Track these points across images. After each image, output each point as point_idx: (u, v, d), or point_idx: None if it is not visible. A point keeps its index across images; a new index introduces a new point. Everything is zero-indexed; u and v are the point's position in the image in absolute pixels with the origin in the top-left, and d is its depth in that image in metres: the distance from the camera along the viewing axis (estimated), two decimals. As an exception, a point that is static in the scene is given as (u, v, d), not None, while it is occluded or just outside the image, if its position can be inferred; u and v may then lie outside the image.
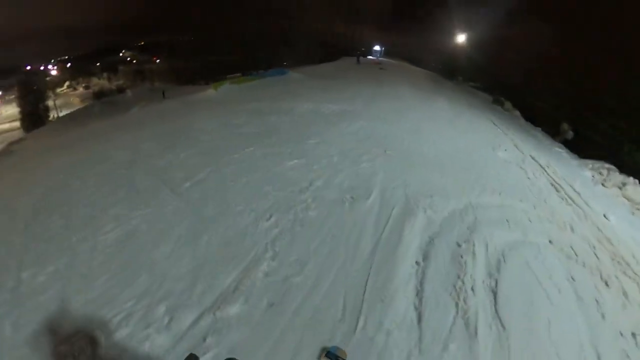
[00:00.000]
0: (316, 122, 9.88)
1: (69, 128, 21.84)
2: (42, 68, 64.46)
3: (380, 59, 34.71)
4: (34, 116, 42.25)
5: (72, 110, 45.17)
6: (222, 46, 44.16)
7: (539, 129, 18.28)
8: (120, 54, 69.99)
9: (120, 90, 54.62)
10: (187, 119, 11.25)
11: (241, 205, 5.41)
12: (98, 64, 67.15)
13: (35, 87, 47.84)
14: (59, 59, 69.34)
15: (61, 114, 45.41)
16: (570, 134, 16.89)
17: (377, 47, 38.43)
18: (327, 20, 38.47)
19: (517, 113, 20.52)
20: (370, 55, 37.29)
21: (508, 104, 20.43)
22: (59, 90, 64.33)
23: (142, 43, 68.32)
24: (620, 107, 16.24)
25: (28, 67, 64.86)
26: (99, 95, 55.16)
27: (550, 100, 19.73)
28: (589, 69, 18.32)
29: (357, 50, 33.76)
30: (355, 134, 8.98)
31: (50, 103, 52.98)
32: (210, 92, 18.69)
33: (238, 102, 13.67)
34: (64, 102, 60.05)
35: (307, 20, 38.37)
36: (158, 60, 59.22)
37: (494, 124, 13.56)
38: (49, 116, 44.25)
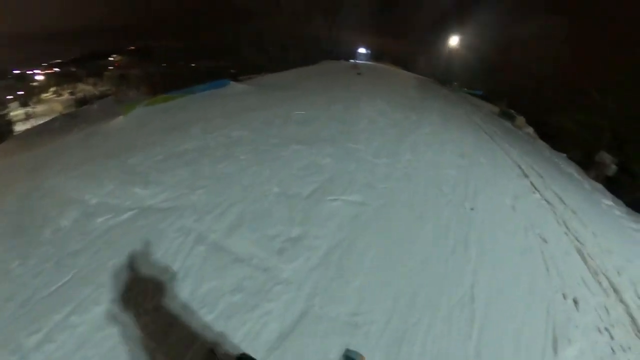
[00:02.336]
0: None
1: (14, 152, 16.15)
2: (29, 72, 59.60)
3: (359, 62, 28.74)
4: None
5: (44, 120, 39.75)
6: (205, 51, 38.79)
7: (564, 155, 12.43)
8: (111, 58, 64.81)
9: (103, 96, 49.93)
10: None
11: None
12: (85, 69, 62.08)
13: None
14: (47, 63, 64.39)
15: (28, 127, 40.19)
16: (613, 169, 10.95)
17: (362, 50, 32.60)
18: (306, 21, 32.66)
19: (531, 131, 14.63)
20: (356, 59, 31.45)
21: (521, 120, 14.53)
22: (43, 96, 59.63)
23: (133, 48, 62.99)
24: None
25: (16, 72, 60.44)
26: (82, 102, 50.26)
27: (579, 116, 13.76)
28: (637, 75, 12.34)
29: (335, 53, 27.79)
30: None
31: (19, 113, 48.00)
32: (119, 119, 12.61)
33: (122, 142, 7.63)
34: (47, 108, 55.34)
35: (285, 22, 32.62)
36: (141, 66, 53.98)
37: (515, 163, 7.99)
38: (11, 131, 38.95)
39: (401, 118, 8.81)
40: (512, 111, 15.39)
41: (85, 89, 58.95)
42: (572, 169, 10.52)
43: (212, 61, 36.96)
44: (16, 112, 52.41)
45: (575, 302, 3.70)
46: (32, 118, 46.63)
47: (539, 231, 4.77)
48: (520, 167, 7.51)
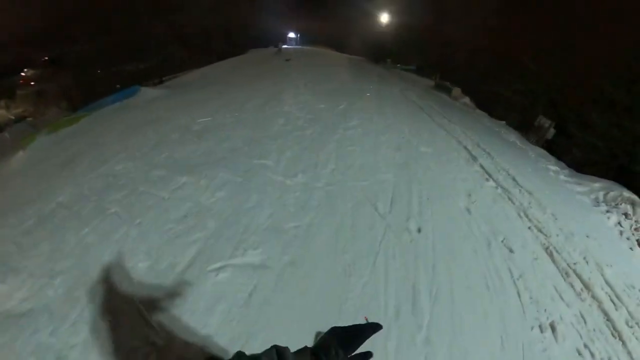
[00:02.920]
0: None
1: None
2: None
3: (288, 47, 27.08)
4: None
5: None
6: (125, 52, 34.82)
7: (503, 123, 12.00)
8: (22, 74, 56.89)
9: (19, 119, 43.92)
10: None
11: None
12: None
13: None
14: None
15: None
16: (551, 132, 10.58)
17: (291, 35, 30.84)
18: (225, 11, 30.08)
19: (468, 100, 14.15)
20: (286, 45, 29.64)
21: (456, 90, 14.07)
22: None
23: (47, 58, 55.49)
24: (621, 96, 10.08)
25: None
26: (-3, 128, 43.80)
27: (515, 84, 13.43)
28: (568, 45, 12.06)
29: (275, 41, 25.75)
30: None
31: None
32: (17, 156, 10.21)
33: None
34: None
35: (208, 11, 29.80)
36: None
37: (461, 144, 7.15)
38: None
39: (326, 109, 7.61)
40: (447, 83, 14.83)
41: (-3, 113, 51.56)
42: (513, 137, 10.00)
43: (134, 63, 33.22)
44: None
45: (553, 328, 3.01)
46: None
47: (503, 238, 3.84)
48: (466, 149, 6.65)
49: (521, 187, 5.43)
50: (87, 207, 3.73)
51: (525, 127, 11.35)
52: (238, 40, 28.37)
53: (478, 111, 13.06)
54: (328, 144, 5.45)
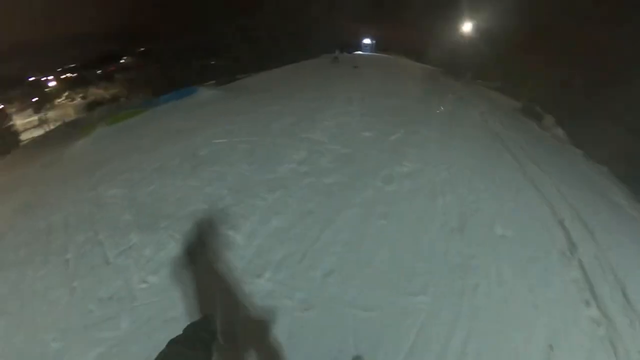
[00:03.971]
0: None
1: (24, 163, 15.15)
2: (42, 79, 59.89)
3: (360, 53, 25.49)
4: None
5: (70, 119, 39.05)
6: (200, 50, 36.60)
7: (605, 170, 9.33)
8: (122, 61, 63.76)
9: (114, 99, 49.48)
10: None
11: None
12: (99, 72, 61.85)
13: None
14: (60, 69, 64.24)
15: (41, 132, 39.77)
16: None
17: (366, 41, 29.24)
18: (303, 11, 29.49)
19: (561, 133, 11.62)
20: (360, 51, 28.21)
21: (548, 119, 11.81)
22: (57, 101, 59.87)
23: (143, 49, 61.47)
24: None
25: (30, 79, 60.84)
26: (92, 105, 49.85)
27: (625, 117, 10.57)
28: None
29: (340, 45, 24.55)
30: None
31: (33, 119, 48.44)
32: (81, 143, 11.34)
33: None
34: (60, 113, 55.39)
35: (280, 14, 29.58)
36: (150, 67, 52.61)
37: (553, 214, 5.22)
38: (19, 141, 38.84)
39: (371, 140, 6.10)
40: (538, 107, 12.22)
41: (96, 92, 58.66)
42: (620, 195, 7.42)
43: (208, 60, 34.56)
44: (30, 119, 52.88)
45: None
46: (45, 124, 46.22)
47: None
48: (562, 226, 4.65)
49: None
50: (56, 241, 4.29)
51: (635, 179, 8.59)
52: (310, 45, 27.61)
53: (571, 148, 10.38)
54: (345, 211, 4.07)
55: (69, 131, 23.42)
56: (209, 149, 6.16)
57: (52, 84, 61.49)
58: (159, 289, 3.13)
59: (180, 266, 3.30)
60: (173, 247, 3.61)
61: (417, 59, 26.22)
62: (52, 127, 38.67)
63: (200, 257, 3.42)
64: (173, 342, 1.08)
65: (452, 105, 10.72)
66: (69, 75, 64.12)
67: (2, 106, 53.82)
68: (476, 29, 20.51)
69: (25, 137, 41.26)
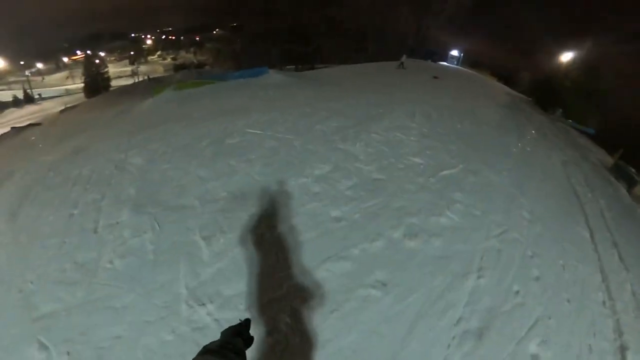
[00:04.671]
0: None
1: (103, 107, 18.01)
2: (141, 36, 66.57)
3: (446, 63, 23.77)
4: (93, 84, 44.36)
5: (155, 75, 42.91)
6: (284, 34, 37.46)
7: None
8: (214, 32, 67.88)
9: (200, 65, 53.52)
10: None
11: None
12: (193, 39, 67.15)
13: (97, 60, 49.34)
14: (159, 30, 70.75)
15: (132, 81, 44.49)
16: None
17: (454, 52, 27.22)
18: (387, 14, 28.23)
19: None
20: (445, 62, 26.40)
21: None
22: (150, 58, 66.24)
23: (235, 24, 64.69)
24: None
25: (132, 35, 67.83)
26: (180, 67, 54.44)
27: None
28: None
29: (408, 49, 23.09)
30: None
31: (127, 69, 53.79)
32: (148, 102, 12.57)
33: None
34: (151, 69, 61.01)
35: (369, 9, 28.64)
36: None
37: None
38: (109, 86, 45.06)
39: (415, 170, 5.28)
40: (632, 169, 10.07)
41: (185, 56, 63.49)
42: None
43: (291, 45, 34.98)
44: (125, 68, 59.31)
45: None
46: (136, 75, 51.42)
47: None
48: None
49: None
50: (73, 193, 4.96)
51: None
52: (393, 46, 26.45)
53: None
54: (325, 268, 3.46)
55: (151, 85, 25.48)
56: (239, 138, 6.25)
57: (149, 42, 67.72)
58: (117, 274, 3.33)
59: (141, 258, 3.45)
60: (148, 236, 3.76)
61: (507, 81, 23.94)
62: (140, 79, 42.94)
63: (161, 255, 3.51)
64: (206, 350, 1.05)
65: (531, 144, 9.27)
66: (165, 37, 70.10)
67: (103, 54, 61.13)
68: (582, 59, 17.91)
69: (116, 83, 46.65)
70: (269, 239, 3.69)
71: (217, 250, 3.54)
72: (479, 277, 3.64)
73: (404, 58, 20.00)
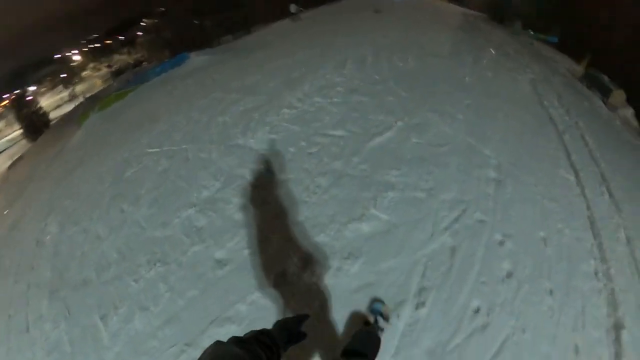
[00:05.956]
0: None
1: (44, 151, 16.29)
2: (67, 54, 61.03)
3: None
4: (31, 126, 39.00)
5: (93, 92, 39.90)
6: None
7: None
8: (142, 24, 62.78)
9: (137, 63, 49.51)
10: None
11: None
12: (121, 38, 62.09)
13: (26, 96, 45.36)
14: (84, 40, 64.66)
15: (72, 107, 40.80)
16: None
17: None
18: None
19: (630, 114, 8.61)
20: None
21: (618, 95, 8.58)
22: (83, 74, 61.00)
23: (162, 9, 59.73)
24: None
25: (57, 56, 61.94)
26: (118, 73, 50.12)
27: None
28: None
29: None
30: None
31: (63, 96, 50.34)
32: (77, 135, 11.52)
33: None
34: (88, 86, 56.28)
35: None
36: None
37: None
38: (48, 121, 40.57)
39: (339, 146, 4.18)
40: (605, 77, 8.99)
41: (120, 59, 58.59)
42: None
43: (225, 13, 32.57)
44: (61, 95, 54.33)
45: None
46: (75, 98, 47.64)
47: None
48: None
49: None
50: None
51: None
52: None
53: None
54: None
55: (88, 106, 23.27)
56: (136, 166, 5.61)
57: (77, 57, 61.89)
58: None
59: (61, 353, 3.41)
60: (63, 326, 3.63)
61: (459, 1, 22.06)
62: (81, 99, 39.56)
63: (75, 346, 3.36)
64: (232, 340, 0.96)
65: (492, 68, 7.87)
66: (92, 46, 63.97)
67: (33, 88, 55.81)
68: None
69: (57, 114, 42.54)
70: (154, 310, 3.23)
71: (113, 330, 3.27)
72: (417, 307, 2.72)
73: (293, 7, 17.28)
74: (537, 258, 3.20)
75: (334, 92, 5.69)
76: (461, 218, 3.29)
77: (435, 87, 5.94)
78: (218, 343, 0.88)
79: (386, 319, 2.49)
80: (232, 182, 4.23)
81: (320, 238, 3.21)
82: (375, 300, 2.59)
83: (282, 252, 3.21)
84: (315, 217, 3.43)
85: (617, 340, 2.72)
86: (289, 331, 1.10)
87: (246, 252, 3.30)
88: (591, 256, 3.46)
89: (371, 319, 2.50)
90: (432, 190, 3.56)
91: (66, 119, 28.12)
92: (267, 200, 3.78)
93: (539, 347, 2.58)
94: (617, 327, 2.81)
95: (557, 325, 2.72)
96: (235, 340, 0.91)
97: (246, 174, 4.28)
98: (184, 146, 5.45)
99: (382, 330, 2.41)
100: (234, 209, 3.81)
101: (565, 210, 3.90)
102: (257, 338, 0.96)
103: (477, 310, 2.70)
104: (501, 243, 3.18)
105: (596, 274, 3.28)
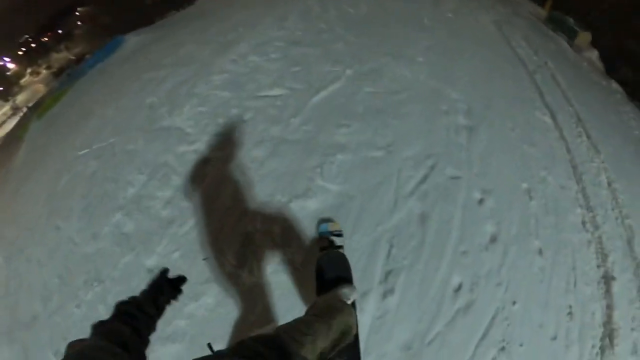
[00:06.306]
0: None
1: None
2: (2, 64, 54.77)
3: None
4: None
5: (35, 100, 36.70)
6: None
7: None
8: (76, 14, 57.61)
9: (79, 58, 45.41)
10: None
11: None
12: (59, 33, 57.02)
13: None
14: (15, 44, 57.60)
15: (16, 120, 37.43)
16: None
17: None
18: None
19: (595, 56, 8.55)
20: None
21: (584, 37, 8.49)
22: (22, 82, 55.02)
23: (98, -6, 54.88)
24: None
25: None
26: (60, 73, 45.85)
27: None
28: None
29: None
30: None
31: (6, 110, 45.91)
32: (21, 151, 10.03)
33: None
34: (30, 94, 50.97)
35: None
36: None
37: None
38: None
39: (297, 94, 3.62)
40: (570, 19, 8.68)
41: (59, 57, 53.71)
42: None
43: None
44: (3, 110, 48.57)
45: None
46: (19, 110, 43.27)
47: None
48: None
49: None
50: None
51: None
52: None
53: (610, 84, 7.30)
54: None
55: (30, 117, 21.09)
56: (66, 176, 4.69)
57: (11, 66, 55.36)
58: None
59: None
60: None
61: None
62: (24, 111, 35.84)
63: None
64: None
65: (453, 8, 7.18)
66: (25, 49, 57.30)
67: None
68: None
69: (2, 132, 38.31)
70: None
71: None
72: (385, 295, 2.21)
73: None
74: (523, 214, 2.73)
75: (272, 48, 4.84)
76: (430, 176, 2.70)
77: (390, 30, 5.23)
78: (70, 346, 0.88)
79: (338, 234, 2.30)
80: (157, 173, 3.50)
81: (258, 225, 2.52)
82: (320, 222, 2.39)
83: (215, 249, 2.58)
84: (252, 198, 2.72)
85: (608, 292, 2.51)
86: (157, 287, 1.07)
87: (176, 255, 2.67)
88: (577, 204, 3.10)
89: (325, 242, 2.25)
90: (392, 147, 2.92)
91: (11, 135, 25.40)
92: (195, 187, 3.04)
93: (530, 317, 2.23)
94: (607, 279, 2.60)
95: (549, 289, 2.40)
96: (93, 326, 0.88)
97: (170, 160, 3.47)
98: (111, 140, 4.62)
99: (341, 247, 2.20)
100: (159, 206, 3.11)
101: (546, 156, 3.46)
102: (118, 310, 0.94)
103: (458, 288, 2.23)
104: (481, 201, 2.63)
105: (584, 223, 2.95)
